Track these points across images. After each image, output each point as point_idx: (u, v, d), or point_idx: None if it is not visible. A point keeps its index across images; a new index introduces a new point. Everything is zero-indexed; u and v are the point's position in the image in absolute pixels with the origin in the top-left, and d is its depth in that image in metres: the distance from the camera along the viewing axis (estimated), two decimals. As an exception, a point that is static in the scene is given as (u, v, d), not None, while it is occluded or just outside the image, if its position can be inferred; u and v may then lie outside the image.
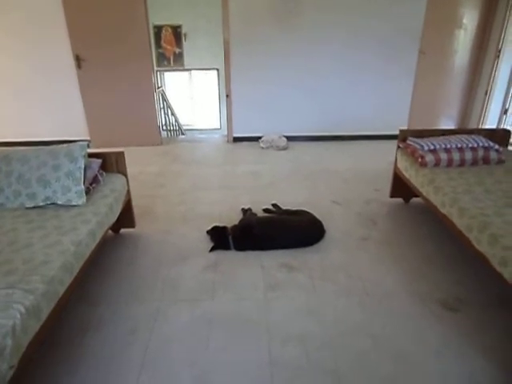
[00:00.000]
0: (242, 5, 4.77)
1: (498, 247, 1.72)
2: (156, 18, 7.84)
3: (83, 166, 2.23)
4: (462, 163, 2.70)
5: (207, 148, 5.31)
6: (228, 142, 5.50)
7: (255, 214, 2.96)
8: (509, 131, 3.11)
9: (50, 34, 4.79)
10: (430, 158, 2.67)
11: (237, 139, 5.45)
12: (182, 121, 8.57)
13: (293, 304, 2.05)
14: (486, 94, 5.32)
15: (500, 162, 2.73)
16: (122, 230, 2.84)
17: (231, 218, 2.85)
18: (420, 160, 2.70)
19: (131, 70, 4.89)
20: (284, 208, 3.06)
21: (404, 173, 2.96)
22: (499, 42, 5.05)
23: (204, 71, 9.41)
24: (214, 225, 2.70)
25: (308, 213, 2.85)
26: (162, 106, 6.98)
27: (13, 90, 5.10)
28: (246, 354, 1.72)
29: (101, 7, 4.57)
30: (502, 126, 5.30)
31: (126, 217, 2.72)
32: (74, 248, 1.76)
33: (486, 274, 2.17)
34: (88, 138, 5.14)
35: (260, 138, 5.24)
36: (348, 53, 5.02)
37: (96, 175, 2.42)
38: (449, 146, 2.71)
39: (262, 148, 5.10)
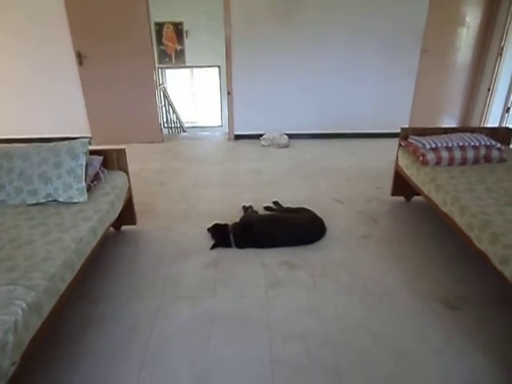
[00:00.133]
0: (244, 2, 4.75)
1: (498, 246, 1.72)
2: (157, 15, 7.82)
3: (84, 163, 2.23)
4: (464, 162, 2.70)
5: (208, 145, 5.31)
6: (229, 139, 5.49)
7: (256, 212, 2.96)
8: (511, 130, 3.10)
9: (52, 31, 4.78)
10: (431, 156, 2.66)
11: (238, 137, 5.45)
12: (183, 118, 8.57)
13: (294, 302, 2.05)
14: (488, 91, 5.30)
15: (502, 160, 2.73)
16: (123, 227, 2.85)
17: (232, 216, 2.85)
18: (421, 158, 2.69)
19: (133, 67, 4.88)
20: (285, 206, 3.06)
21: (405, 171, 2.96)
22: (502, 39, 5.03)
23: (205, 68, 9.40)
24: (214, 222, 2.71)
25: (309, 210, 2.85)
26: (163, 103, 6.97)
27: (14, 87, 5.10)
28: (247, 352, 1.73)
29: (102, 4, 4.56)
30: (504, 125, 5.28)
31: (127, 214, 2.73)
32: (75, 245, 1.76)
33: (487, 273, 2.17)
34: (89, 135, 5.14)
35: (261, 135, 5.23)
36: (350, 51, 5.00)
37: (97, 172, 2.42)
38: (450, 145, 2.71)
39: (264, 146, 5.10)
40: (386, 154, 4.26)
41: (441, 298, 2.06)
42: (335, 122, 5.37)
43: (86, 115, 5.13)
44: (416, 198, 3.21)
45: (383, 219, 3.00)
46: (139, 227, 2.86)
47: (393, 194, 3.28)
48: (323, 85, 5.19)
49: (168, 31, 8.68)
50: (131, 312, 1.99)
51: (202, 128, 9.65)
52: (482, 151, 2.70)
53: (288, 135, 5.20)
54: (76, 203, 2.15)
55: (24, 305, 1.31)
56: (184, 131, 8.27)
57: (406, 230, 2.83)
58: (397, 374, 1.61)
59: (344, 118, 5.36)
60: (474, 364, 1.65)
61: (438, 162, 2.67)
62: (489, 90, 5.28)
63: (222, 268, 2.36)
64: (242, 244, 2.56)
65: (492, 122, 5.35)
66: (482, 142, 2.72)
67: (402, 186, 3.14)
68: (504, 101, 5.29)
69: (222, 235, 2.59)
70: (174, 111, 7.80)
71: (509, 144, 3.06)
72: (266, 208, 3.08)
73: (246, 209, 3.04)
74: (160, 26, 8.59)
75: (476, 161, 2.71)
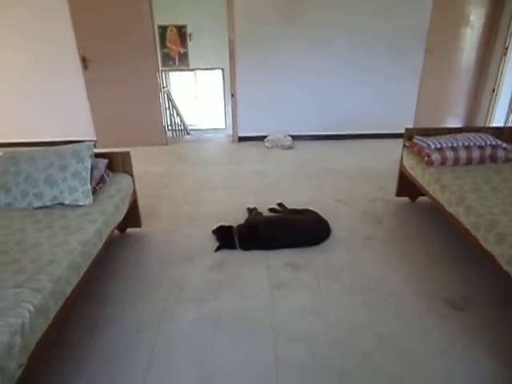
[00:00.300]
0: (247, 4, 4.76)
1: (505, 246, 1.71)
2: (161, 18, 7.85)
3: (90, 166, 2.25)
4: (469, 162, 2.68)
5: (212, 148, 5.32)
6: (233, 141, 5.50)
7: (261, 214, 2.96)
8: (516, 129, 3.09)
9: (57, 36, 4.82)
10: (436, 156, 2.65)
11: (242, 139, 5.45)
12: (187, 121, 8.60)
13: (298, 303, 2.05)
14: (493, 91, 5.27)
15: (507, 160, 2.71)
16: (128, 230, 2.86)
17: (237, 218, 2.85)
18: (426, 159, 2.68)
19: (136, 71, 4.91)
20: (289, 207, 3.05)
21: (410, 171, 2.95)
22: (506, 39, 5.00)
23: (209, 71, 9.42)
24: (219, 224, 2.71)
25: (314, 212, 2.85)
26: (167, 106, 7.00)
27: (20, 91, 5.14)
28: (252, 354, 1.73)
29: (106, 8, 4.59)
30: (509, 124, 5.25)
31: (132, 216, 2.74)
32: (81, 248, 1.77)
33: (493, 273, 2.16)
34: (94, 139, 5.17)
35: (265, 137, 5.24)
36: (353, 52, 5.00)
37: (102, 175, 2.44)
38: (455, 145, 2.70)
39: (267, 147, 5.10)
40: (390, 155, 4.26)
41: (446, 299, 2.05)
42: (338, 123, 5.37)
43: (91, 118, 5.16)
44: (421, 198, 3.20)
45: (388, 220, 2.99)
46: (144, 230, 2.87)
47: (397, 195, 3.27)
48: (327, 86, 5.19)
49: (171, 34, 8.71)
50: (136, 314, 1.99)
51: (206, 130, 9.66)
52: (488, 151, 2.69)
53: (292, 137, 5.20)
54: (81, 206, 2.17)
55: (31, 307, 1.32)
56: (188, 134, 8.29)
57: (411, 230, 2.82)
58: (401, 374, 1.61)
59: (347, 119, 5.35)
60: (479, 364, 1.64)
61: (443, 163, 2.66)
62: (493, 90, 5.26)
63: (227, 270, 2.36)
64: (246, 246, 2.56)
65: (497, 122, 5.31)
66: (488, 142, 2.71)
67: (406, 186, 3.13)
68: (509, 101, 5.25)
69: (226, 237, 2.60)
70: (177, 114, 7.82)
71: (514, 144, 3.05)
72: (271, 210, 3.08)
73: (250, 210, 3.04)
74: (163, 29, 8.62)
75: (481, 161, 2.70)
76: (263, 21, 4.84)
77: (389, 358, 1.68)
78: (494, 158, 2.71)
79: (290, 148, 5.04)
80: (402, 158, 3.13)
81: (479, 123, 5.52)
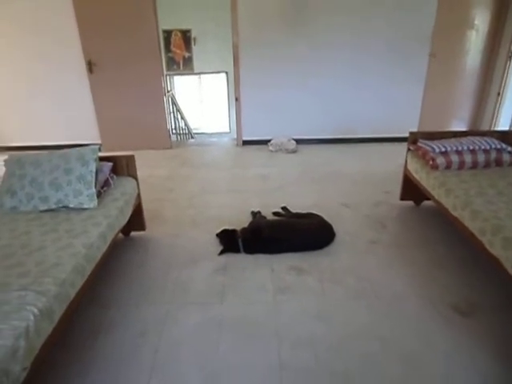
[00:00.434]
0: (251, 8, 4.79)
1: (511, 250, 1.70)
2: (165, 23, 7.89)
3: (94, 170, 2.26)
4: (475, 165, 2.67)
5: (216, 151, 5.33)
6: (237, 145, 5.51)
7: (265, 217, 2.96)
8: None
9: (63, 40, 4.87)
10: (441, 160, 2.64)
11: (246, 142, 5.46)
12: (191, 124, 8.62)
13: (302, 307, 2.04)
14: (498, 95, 5.25)
15: (513, 164, 2.70)
16: (133, 233, 2.86)
17: (241, 221, 2.85)
18: (431, 162, 2.67)
19: (141, 75, 4.94)
20: (293, 211, 3.05)
21: (414, 175, 2.94)
22: (511, 43, 4.99)
23: (213, 75, 9.46)
24: (223, 228, 2.71)
25: (318, 216, 2.84)
26: (171, 109, 7.02)
27: (25, 95, 5.19)
28: (256, 358, 1.72)
29: (111, 12, 4.63)
30: (514, 128, 5.22)
31: (137, 220, 2.74)
32: (86, 251, 1.78)
33: (498, 278, 2.15)
34: (99, 142, 5.20)
35: (269, 141, 5.24)
36: (357, 56, 5.00)
37: (107, 178, 2.45)
38: (460, 149, 2.68)
39: (271, 151, 5.10)
40: (394, 159, 4.25)
41: (450, 304, 2.04)
42: (342, 126, 5.37)
43: (96, 122, 5.19)
44: (425, 202, 3.19)
45: (392, 224, 2.98)
46: (148, 233, 2.88)
47: (402, 199, 3.26)
48: (330, 90, 5.20)
49: (176, 38, 8.76)
50: (140, 317, 1.99)
51: (210, 134, 9.69)
52: (493, 155, 2.68)
53: (296, 140, 5.21)
54: (86, 209, 2.18)
55: (35, 310, 1.32)
56: (192, 137, 8.31)
57: (415, 234, 2.81)
58: (405, 379, 1.59)
59: (351, 123, 5.35)
60: (483, 368, 1.63)
61: (448, 166, 2.65)
62: (498, 94, 5.24)
63: (231, 273, 2.36)
64: (250, 249, 2.55)
65: (502, 126, 5.29)
66: (493, 146, 2.69)
67: (411, 190, 3.12)
68: (514, 104, 5.24)
69: (230, 241, 2.59)
70: (182, 118, 7.85)
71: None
72: (275, 213, 3.08)
73: (254, 214, 3.04)
74: (168, 34, 8.67)
75: (487, 165, 2.69)
76: (267, 25, 4.86)
77: (393, 363, 1.67)
78: (499, 162, 2.69)
79: (293, 152, 5.04)
80: (406, 161, 3.12)
81: (484, 127, 5.49)
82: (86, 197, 2.18)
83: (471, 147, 2.68)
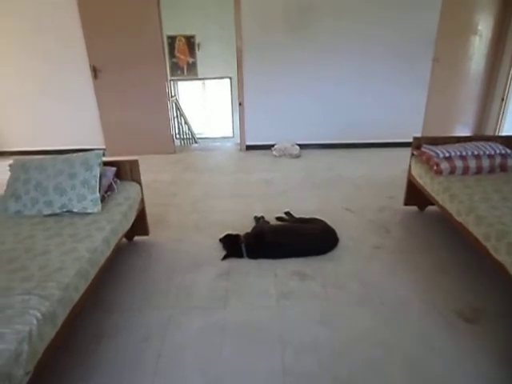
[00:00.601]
0: (255, 14, 4.82)
1: (516, 256, 1.69)
2: (170, 29, 7.95)
3: (98, 175, 2.26)
4: (479, 171, 2.66)
5: (220, 156, 5.34)
6: (241, 150, 5.52)
7: (268, 222, 2.95)
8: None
9: (68, 46, 4.92)
10: (445, 165, 2.63)
11: (249, 147, 5.47)
12: (195, 129, 8.65)
13: (306, 312, 2.03)
14: (502, 100, 5.24)
15: (517, 169, 2.68)
16: (136, 238, 2.87)
17: (244, 226, 2.85)
18: (435, 168, 2.67)
19: (145, 80, 4.97)
20: (297, 216, 3.05)
21: (418, 180, 2.93)
22: (515, 48, 4.99)
23: (217, 80, 9.50)
24: (226, 233, 2.71)
25: (321, 221, 2.84)
26: (175, 114, 7.06)
27: (29, 99, 5.23)
28: (259, 363, 1.71)
29: (116, 18, 4.68)
30: (518, 133, 5.20)
31: (140, 224, 2.75)
32: (89, 255, 1.78)
33: (503, 283, 2.13)
34: (103, 147, 5.23)
35: (273, 146, 5.25)
36: (361, 61, 5.01)
37: (111, 183, 2.46)
38: (464, 154, 2.68)
39: (275, 156, 5.11)
40: (398, 164, 4.23)
41: (455, 309, 2.02)
42: (346, 131, 5.37)
43: (101, 127, 5.22)
44: (429, 207, 3.17)
45: (396, 229, 2.97)
46: (152, 238, 2.88)
47: (406, 204, 3.25)
48: (334, 95, 5.21)
49: (180, 44, 8.82)
50: (143, 322, 1.99)
51: (214, 139, 9.72)
52: (498, 160, 2.67)
53: (299, 145, 5.21)
54: (90, 214, 2.18)
55: (38, 314, 1.33)
56: (196, 142, 8.34)
57: (419, 240, 2.79)
58: (412, 387, 1.58)
59: (355, 128, 5.35)
60: (487, 375, 1.61)
61: (452, 172, 2.64)
62: (502, 99, 5.23)
63: (234, 278, 2.35)
64: (254, 254, 2.55)
65: (506, 131, 5.27)
66: (498, 151, 2.68)
67: (415, 195, 3.11)
68: (519, 109, 5.22)
69: (233, 245, 2.59)
70: (186, 123, 7.88)
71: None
72: (278, 218, 3.07)
73: (257, 219, 3.04)
74: (172, 39, 8.73)
75: (491, 170, 2.67)
76: (271, 30, 4.88)
77: (396, 368, 1.66)
78: (504, 168, 2.68)
79: (297, 157, 5.04)
80: (410, 166, 3.11)
81: (488, 132, 5.48)
82: (90, 201, 2.18)
83: (475, 152, 2.68)
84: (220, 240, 2.70)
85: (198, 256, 2.62)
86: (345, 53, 4.98)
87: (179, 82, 9.59)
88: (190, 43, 8.82)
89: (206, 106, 10.43)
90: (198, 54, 8.91)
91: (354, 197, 3.60)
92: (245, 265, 2.50)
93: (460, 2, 4.98)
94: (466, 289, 2.20)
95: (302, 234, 2.65)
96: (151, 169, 4.58)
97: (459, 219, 2.25)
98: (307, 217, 2.97)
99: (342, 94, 5.20)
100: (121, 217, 2.24)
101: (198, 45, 8.83)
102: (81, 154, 2.37)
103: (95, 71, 4.89)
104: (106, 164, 2.51)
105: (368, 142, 5.40)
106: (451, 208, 2.36)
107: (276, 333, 1.88)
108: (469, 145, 2.77)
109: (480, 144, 2.76)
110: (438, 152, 2.71)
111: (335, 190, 3.78)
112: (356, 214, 3.23)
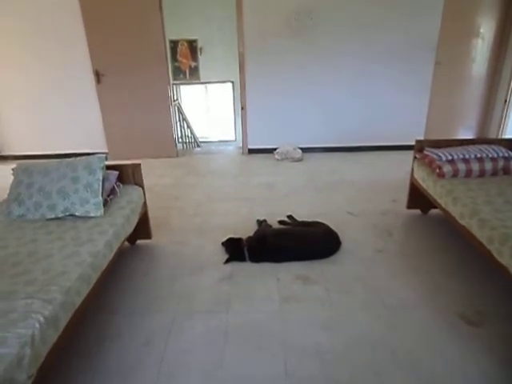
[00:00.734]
0: (257, 18, 4.84)
1: (520, 260, 1.68)
2: (172, 33, 7.99)
3: (101, 178, 2.27)
4: (482, 174, 2.65)
5: (222, 160, 5.35)
6: (243, 153, 5.53)
7: (270, 226, 2.95)
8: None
9: (72, 51, 4.95)
10: (447, 168, 2.63)
11: (252, 151, 5.48)
12: (197, 133, 8.67)
13: (309, 316, 2.03)
14: (505, 102, 5.23)
15: (521, 172, 2.67)
16: (138, 242, 2.87)
17: (246, 230, 2.85)
18: (438, 171, 2.66)
19: (148, 84, 4.99)
20: (299, 219, 3.04)
21: (421, 183, 2.92)
22: (517, 50, 4.99)
23: (219, 84, 9.53)
24: (229, 236, 2.71)
25: (324, 224, 2.83)
26: (177, 118, 7.08)
27: (32, 104, 5.26)
28: (262, 367, 1.70)
29: (119, 23, 4.71)
30: (521, 136, 5.19)
31: (143, 228, 2.75)
32: (92, 259, 1.78)
33: (506, 286, 2.12)
34: (106, 151, 5.24)
35: (275, 149, 5.25)
36: (363, 65, 5.02)
37: (113, 187, 2.46)
38: (467, 157, 2.67)
39: (277, 160, 5.11)
40: (401, 167, 4.23)
41: (458, 313, 2.01)
42: (349, 135, 5.37)
43: (103, 131, 5.24)
44: (432, 210, 3.16)
45: (398, 232, 2.96)
46: (154, 241, 2.88)
47: (408, 207, 3.24)
48: (336, 98, 5.21)
49: (182, 48, 8.85)
50: (146, 326, 1.99)
51: (216, 143, 9.73)
52: (501, 163, 2.66)
53: (301, 149, 5.21)
54: (92, 217, 2.19)
55: (41, 318, 1.33)
56: (198, 146, 8.35)
57: (422, 243, 2.78)
58: (416, 392, 1.57)
59: (357, 132, 5.35)
60: (491, 378, 1.60)
61: (455, 175, 2.63)
62: (505, 101, 5.22)
63: (237, 282, 2.35)
64: (256, 258, 2.54)
65: (509, 134, 5.26)
66: (500, 154, 2.67)
67: (417, 198, 3.10)
68: (521, 112, 5.21)
69: (236, 249, 2.59)
70: (188, 126, 7.90)
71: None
72: (281, 222, 3.07)
73: (260, 223, 3.04)
74: (175, 44, 8.77)
75: (494, 173, 2.67)
76: (273, 34, 4.90)
77: (399, 372, 1.64)
78: (507, 171, 2.67)
79: (299, 160, 5.04)
80: (412, 170, 3.10)
81: (491, 135, 5.47)
82: (93, 205, 2.19)
83: (478, 155, 2.67)
84: (222, 244, 2.70)
85: (201, 260, 2.62)
86: (347, 56, 4.99)
87: (181, 86, 9.62)
88: (193, 47, 8.86)
89: (208, 109, 10.46)
90: (201, 58, 8.95)
91: (357, 200, 3.60)
92: (247, 268, 2.49)
93: (462, 5, 4.98)
94: (469, 292, 2.18)
95: (305, 238, 2.64)
96: (154, 172, 4.59)
97: (462, 222, 2.24)
98: (310, 220, 2.96)
99: (343, 97, 5.21)
100: (123, 220, 2.24)
101: (201, 49, 8.86)
102: (83, 157, 2.38)
103: (98, 75, 4.91)
104: (108, 168, 2.51)
105: (370, 145, 5.40)
106: (454, 211, 2.35)
107: (279, 337, 1.88)
108: (471, 148, 2.77)
109: (483, 147, 2.75)
110: (441, 155, 2.70)
111: (338, 194, 3.78)
112: (358, 217, 3.22)
